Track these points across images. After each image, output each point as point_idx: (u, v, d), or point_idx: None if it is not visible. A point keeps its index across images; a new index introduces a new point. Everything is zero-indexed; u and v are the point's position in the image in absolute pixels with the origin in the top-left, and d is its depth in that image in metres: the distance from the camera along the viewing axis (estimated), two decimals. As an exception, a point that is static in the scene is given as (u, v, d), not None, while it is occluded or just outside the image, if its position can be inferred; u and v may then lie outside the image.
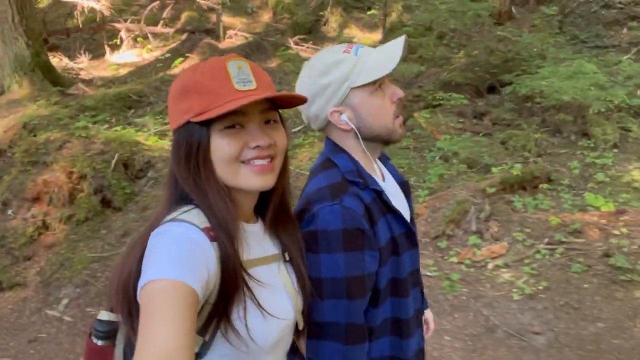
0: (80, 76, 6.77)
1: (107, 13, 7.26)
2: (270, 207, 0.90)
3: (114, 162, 3.84)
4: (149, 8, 8.06)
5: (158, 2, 8.03)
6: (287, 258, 0.91)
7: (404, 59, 1.01)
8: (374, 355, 0.99)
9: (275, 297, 0.84)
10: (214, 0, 7.79)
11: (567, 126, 5.22)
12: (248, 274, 0.79)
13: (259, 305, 0.79)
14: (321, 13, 9.60)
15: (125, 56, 7.84)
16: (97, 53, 7.95)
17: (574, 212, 3.80)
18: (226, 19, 9.23)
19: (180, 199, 0.82)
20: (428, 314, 1.31)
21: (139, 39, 8.05)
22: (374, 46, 1.10)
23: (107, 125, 4.75)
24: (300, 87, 1.03)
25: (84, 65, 7.09)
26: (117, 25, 7.86)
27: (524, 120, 5.67)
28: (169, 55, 7.57)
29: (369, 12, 9.69)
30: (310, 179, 1.02)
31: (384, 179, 1.09)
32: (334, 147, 1.03)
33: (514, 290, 3.04)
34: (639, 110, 5.58)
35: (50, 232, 3.64)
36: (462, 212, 3.84)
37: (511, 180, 4.29)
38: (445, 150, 4.98)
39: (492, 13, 9.60)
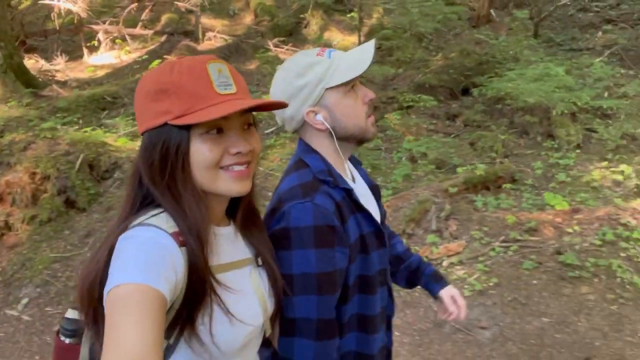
0: (55, 78, 6.77)
1: (83, 15, 7.27)
2: (240, 209, 0.91)
3: (78, 162, 3.86)
4: (127, 10, 8.09)
5: (136, 4, 8.04)
6: (260, 262, 0.91)
7: (380, 62, 1.07)
8: (341, 351, 1.02)
9: (244, 302, 0.84)
10: (192, 3, 7.81)
11: (534, 127, 5.31)
12: (216, 280, 0.79)
13: (227, 311, 0.79)
14: (302, 16, 9.65)
15: (103, 58, 7.85)
16: (75, 55, 7.96)
17: (532, 211, 3.88)
18: (207, 20, 9.26)
19: (143, 200, 0.80)
20: (451, 290, 1.31)
21: (117, 40, 8.06)
22: (352, 48, 1.15)
23: (76, 127, 4.76)
24: (276, 89, 1.06)
25: (60, 67, 7.09)
26: (95, 27, 7.87)
27: (494, 122, 5.76)
28: (146, 57, 7.59)
29: (349, 15, 9.76)
30: (282, 178, 1.06)
31: (354, 181, 1.13)
32: (306, 148, 1.07)
33: (466, 286, 3.11)
34: (606, 112, 5.69)
35: (13, 232, 3.66)
36: (423, 211, 3.91)
37: (474, 180, 4.37)
38: (414, 151, 5.06)
39: (471, 16, 9.75)
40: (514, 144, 5.26)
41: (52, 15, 7.36)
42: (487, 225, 3.72)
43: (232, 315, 0.79)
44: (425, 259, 1.56)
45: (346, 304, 1.01)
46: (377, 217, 1.12)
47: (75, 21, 7.87)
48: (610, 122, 5.51)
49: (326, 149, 1.06)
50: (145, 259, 0.69)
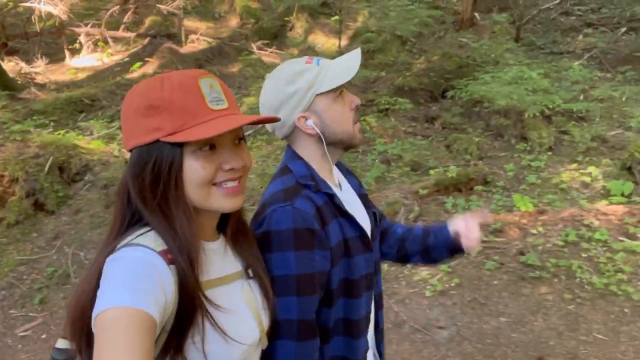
0: (35, 80, 6.75)
1: (64, 17, 7.26)
2: (230, 222, 0.91)
3: (48, 165, 3.86)
4: (108, 13, 8.09)
5: (118, 7, 8.04)
6: (251, 274, 0.90)
7: (362, 65, 1.10)
8: (327, 355, 1.04)
9: (238, 320, 0.83)
10: (175, 5, 7.83)
11: (508, 130, 5.37)
12: (207, 299, 0.77)
13: (220, 329, 0.78)
14: (287, 19, 9.69)
15: (85, 60, 7.84)
16: (57, 57, 7.94)
17: (500, 213, 3.92)
18: (193, 23, 9.28)
19: (131, 219, 0.79)
20: (455, 224, 1.27)
21: (99, 43, 8.06)
22: (334, 51, 1.17)
23: (50, 129, 4.76)
24: (266, 97, 1.08)
25: (40, 69, 7.08)
26: (78, 29, 7.86)
27: (471, 125, 5.82)
28: (128, 59, 7.59)
29: (333, 18, 9.81)
30: (268, 185, 1.09)
31: (340, 188, 1.16)
32: (292, 155, 1.10)
33: (428, 287, 3.14)
34: (582, 114, 5.76)
35: (-20, 235, 3.65)
36: (392, 213, 3.93)
37: (446, 182, 4.41)
38: (388, 154, 5.09)
39: (455, 19, 9.84)
40: (488, 147, 5.31)
41: (32, 17, 7.35)
42: (455, 227, 3.75)
43: (226, 334, 0.78)
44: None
45: (331, 309, 1.03)
46: (366, 224, 1.15)
47: (57, 24, 7.86)
48: (585, 124, 5.58)
49: (314, 154, 1.09)
50: (133, 280, 0.68)
